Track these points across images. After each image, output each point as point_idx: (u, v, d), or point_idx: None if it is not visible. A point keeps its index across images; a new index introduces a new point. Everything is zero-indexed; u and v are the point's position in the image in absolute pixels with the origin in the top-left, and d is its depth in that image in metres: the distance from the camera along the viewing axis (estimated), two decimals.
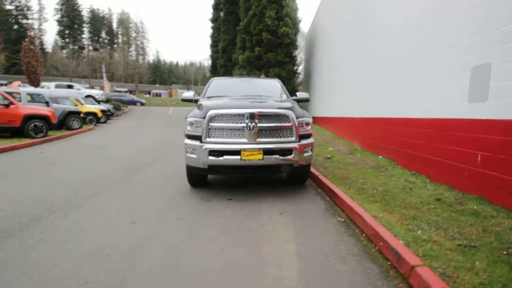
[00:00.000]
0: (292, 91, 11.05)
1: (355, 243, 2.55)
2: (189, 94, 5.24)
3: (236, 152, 3.56)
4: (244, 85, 5.57)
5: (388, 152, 5.75)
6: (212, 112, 3.61)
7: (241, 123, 3.58)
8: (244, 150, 3.53)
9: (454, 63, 3.78)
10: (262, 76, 7.82)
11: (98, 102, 19.55)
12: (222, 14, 22.99)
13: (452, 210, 3.09)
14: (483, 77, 3.23)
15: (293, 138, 3.73)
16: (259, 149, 3.55)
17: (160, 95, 59.76)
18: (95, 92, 21.69)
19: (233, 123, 3.60)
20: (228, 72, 20.26)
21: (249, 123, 3.54)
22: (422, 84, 4.58)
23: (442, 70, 4.05)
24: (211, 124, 3.62)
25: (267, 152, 3.58)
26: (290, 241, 2.59)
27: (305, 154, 3.83)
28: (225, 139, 3.63)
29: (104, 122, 16.65)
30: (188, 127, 3.84)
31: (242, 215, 3.22)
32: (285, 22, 15.18)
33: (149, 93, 60.22)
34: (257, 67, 16.02)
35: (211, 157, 3.59)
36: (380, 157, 6.02)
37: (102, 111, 16.29)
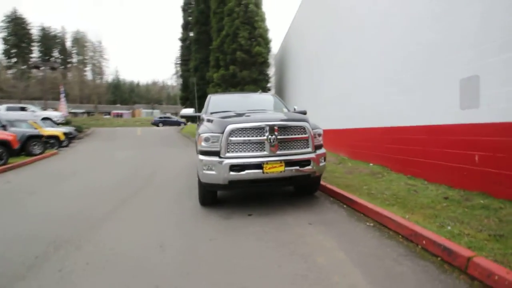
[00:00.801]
0: None
1: (398, 244, 2.65)
2: (188, 110, 5.17)
3: (258, 166, 3.53)
4: (244, 100, 5.62)
5: (379, 160, 6.13)
6: (232, 126, 3.56)
7: (261, 136, 3.58)
8: (267, 162, 3.51)
9: (446, 76, 4.22)
10: (259, 92, 7.96)
11: (57, 124, 17.97)
12: (192, 34, 23.17)
13: (463, 206, 3.38)
14: (472, 87, 3.70)
15: (309, 149, 3.81)
16: (280, 161, 3.56)
17: (121, 115, 56.87)
18: (54, 114, 19.92)
19: (253, 136, 3.59)
20: (201, 90, 20.19)
21: (270, 136, 3.56)
22: (414, 94, 4.99)
23: (435, 82, 4.48)
24: (230, 138, 3.56)
25: (288, 163, 3.60)
26: (337, 249, 2.60)
27: (321, 164, 3.93)
28: (245, 153, 3.58)
29: (66, 145, 15.28)
30: (203, 143, 3.72)
31: (274, 229, 3.15)
32: (258, 42, 15.83)
33: (109, 113, 56.92)
34: (232, 85, 16.26)
35: (232, 172, 3.51)
36: (371, 164, 6.38)
37: (65, 134, 15.01)
